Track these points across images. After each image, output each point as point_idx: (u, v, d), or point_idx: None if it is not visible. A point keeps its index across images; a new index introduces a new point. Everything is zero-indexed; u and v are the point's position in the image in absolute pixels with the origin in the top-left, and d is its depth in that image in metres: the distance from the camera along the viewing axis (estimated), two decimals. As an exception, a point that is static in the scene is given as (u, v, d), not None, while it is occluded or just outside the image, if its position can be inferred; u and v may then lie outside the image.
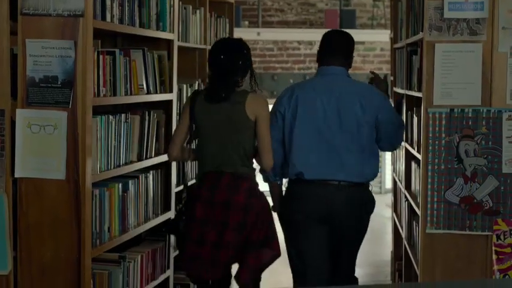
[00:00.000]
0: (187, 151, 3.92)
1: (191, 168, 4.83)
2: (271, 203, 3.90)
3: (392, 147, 4.18)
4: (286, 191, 3.96)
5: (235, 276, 3.80)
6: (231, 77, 3.75)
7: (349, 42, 4.06)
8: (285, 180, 4.01)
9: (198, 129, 3.80)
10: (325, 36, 4.05)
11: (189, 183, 4.01)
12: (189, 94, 4.74)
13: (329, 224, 3.84)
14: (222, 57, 3.77)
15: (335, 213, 3.81)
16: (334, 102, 3.83)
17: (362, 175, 3.85)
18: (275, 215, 3.95)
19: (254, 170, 3.82)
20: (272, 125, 3.82)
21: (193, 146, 3.97)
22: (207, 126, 3.77)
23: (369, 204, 3.93)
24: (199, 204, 3.70)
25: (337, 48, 3.99)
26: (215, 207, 3.67)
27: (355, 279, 4.02)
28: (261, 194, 3.78)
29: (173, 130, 4.16)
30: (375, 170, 3.92)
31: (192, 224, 3.70)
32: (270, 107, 3.85)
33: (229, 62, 3.76)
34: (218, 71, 3.77)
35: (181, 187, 4.59)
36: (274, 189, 4.01)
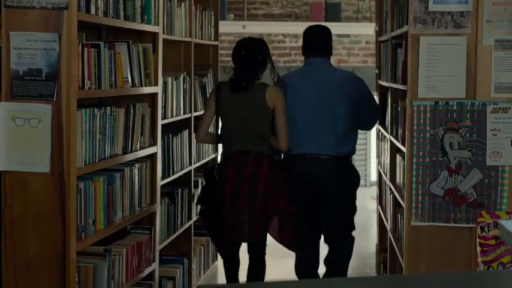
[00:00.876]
0: (210, 135, 4.65)
1: (178, 160, 4.84)
2: None
3: (369, 126, 4.91)
4: (280, 163, 4.50)
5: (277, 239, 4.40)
6: (251, 71, 4.37)
7: (328, 35, 4.66)
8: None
9: (223, 116, 4.44)
10: (306, 32, 4.67)
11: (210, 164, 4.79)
12: (174, 87, 4.79)
13: (315, 191, 4.50)
14: (243, 53, 4.38)
15: (319, 181, 4.48)
16: (318, 87, 4.49)
17: (342, 150, 4.50)
18: None
19: (271, 148, 4.42)
20: None
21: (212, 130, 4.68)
22: (231, 113, 4.40)
23: (351, 175, 4.59)
24: (227, 183, 4.30)
25: (318, 42, 4.61)
26: (242, 182, 4.28)
27: (352, 238, 4.71)
28: (279, 167, 4.41)
29: (158, 123, 4.28)
30: (353, 146, 4.61)
31: (224, 201, 4.29)
32: None
33: (249, 58, 4.37)
34: (240, 65, 4.40)
35: (166, 180, 4.64)
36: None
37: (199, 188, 5.03)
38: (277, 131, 4.37)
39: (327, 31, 4.66)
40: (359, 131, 4.71)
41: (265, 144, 4.38)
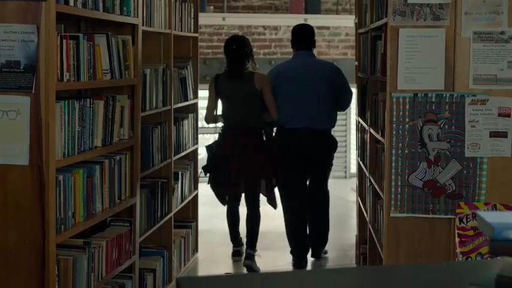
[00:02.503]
0: (215, 116, 5.69)
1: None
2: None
3: (345, 107, 5.95)
4: (275, 135, 5.70)
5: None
6: (241, 61, 5.54)
7: (312, 32, 5.82)
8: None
9: (222, 99, 5.62)
10: (294, 29, 5.88)
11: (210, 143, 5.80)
12: (153, 79, 4.81)
13: (304, 155, 5.62)
14: (234, 47, 5.56)
15: (305, 148, 5.59)
16: (304, 74, 5.61)
17: (324, 124, 5.65)
18: None
19: (262, 123, 5.56)
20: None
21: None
22: (229, 96, 5.57)
23: (330, 142, 5.76)
24: (226, 146, 5.50)
25: (304, 38, 5.75)
26: (237, 148, 5.45)
27: (327, 192, 5.91)
28: (267, 138, 5.60)
29: (138, 115, 4.29)
30: (333, 121, 5.77)
31: (221, 160, 5.48)
32: None
33: (239, 50, 5.55)
34: (232, 57, 5.56)
35: (146, 172, 4.65)
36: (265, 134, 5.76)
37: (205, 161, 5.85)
38: (268, 107, 5.52)
39: (311, 29, 5.83)
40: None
41: (255, 119, 5.53)
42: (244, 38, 5.72)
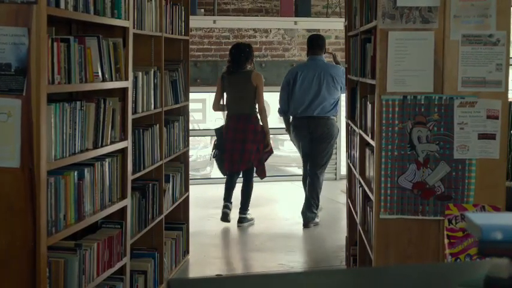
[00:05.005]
0: (221, 106, 7.21)
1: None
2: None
3: (342, 93, 7.11)
4: (291, 122, 7.33)
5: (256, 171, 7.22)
6: (238, 62, 7.05)
7: (323, 40, 7.44)
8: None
9: (226, 92, 7.12)
10: (309, 38, 7.50)
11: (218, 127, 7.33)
12: (144, 82, 4.83)
13: (311, 136, 7.17)
14: (233, 51, 7.09)
15: (314, 131, 7.14)
16: (317, 74, 7.18)
17: (329, 112, 7.18)
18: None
19: (256, 111, 7.06)
20: (283, 88, 7.32)
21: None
22: (231, 90, 7.08)
23: (332, 128, 7.23)
24: (229, 131, 7.04)
25: (317, 46, 7.34)
26: (238, 132, 6.99)
27: (318, 176, 7.31)
28: (261, 124, 7.07)
29: (129, 117, 4.30)
30: (336, 110, 7.28)
31: (226, 142, 7.03)
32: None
33: (237, 54, 7.06)
34: (232, 58, 7.08)
35: (137, 174, 4.65)
36: (285, 121, 7.43)
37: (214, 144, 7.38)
38: (257, 98, 7.01)
39: (322, 38, 7.46)
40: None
41: (252, 108, 7.04)
42: (244, 46, 7.17)
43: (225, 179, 7.40)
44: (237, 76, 7.01)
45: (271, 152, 7.25)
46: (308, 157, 7.29)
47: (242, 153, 6.99)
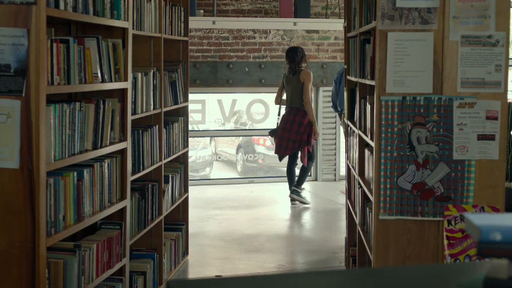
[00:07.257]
0: (281, 100, 8.49)
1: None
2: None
3: None
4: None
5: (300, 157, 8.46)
6: (293, 63, 8.26)
7: None
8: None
9: (285, 88, 8.39)
10: None
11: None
12: (144, 82, 4.83)
13: None
14: (289, 54, 8.29)
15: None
16: (342, 77, 7.96)
17: (343, 107, 7.48)
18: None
19: (302, 105, 8.21)
20: (335, 86, 8.44)
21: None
22: (286, 87, 8.36)
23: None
24: (282, 120, 8.29)
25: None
26: (287, 122, 8.23)
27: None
28: (307, 117, 8.24)
29: (128, 118, 4.29)
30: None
31: (278, 129, 8.28)
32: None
33: (291, 56, 8.26)
34: (289, 60, 8.27)
35: (137, 175, 4.65)
36: (338, 114, 8.67)
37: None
38: (304, 93, 8.18)
39: None
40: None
41: (299, 102, 8.21)
42: (297, 48, 8.37)
43: (225, 179, 8.05)
44: (292, 75, 8.25)
45: (315, 138, 8.41)
46: None
47: (288, 141, 8.23)
